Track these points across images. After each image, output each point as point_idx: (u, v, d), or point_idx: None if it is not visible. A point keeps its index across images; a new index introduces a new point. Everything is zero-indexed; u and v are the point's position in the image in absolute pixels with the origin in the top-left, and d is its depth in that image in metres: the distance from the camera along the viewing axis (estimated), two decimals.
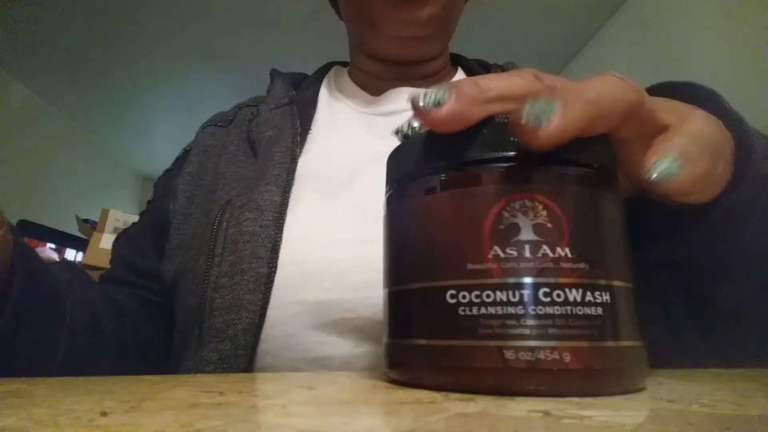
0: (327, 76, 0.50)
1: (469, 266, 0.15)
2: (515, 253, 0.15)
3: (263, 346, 0.30)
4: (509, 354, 0.14)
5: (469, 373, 0.15)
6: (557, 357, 0.14)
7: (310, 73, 0.52)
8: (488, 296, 0.15)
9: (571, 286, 0.15)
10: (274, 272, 0.31)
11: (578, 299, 0.15)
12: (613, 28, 1.91)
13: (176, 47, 2.10)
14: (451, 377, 0.15)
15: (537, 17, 1.89)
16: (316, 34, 1.80)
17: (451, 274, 0.16)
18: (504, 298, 0.15)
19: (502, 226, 0.15)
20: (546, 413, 0.12)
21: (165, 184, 0.43)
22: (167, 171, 0.45)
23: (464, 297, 0.15)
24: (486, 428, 0.10)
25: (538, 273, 0.15)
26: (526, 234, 0.15)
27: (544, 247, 0.15)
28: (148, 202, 0.45)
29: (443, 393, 0.15)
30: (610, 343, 0.15)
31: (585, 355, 0.14)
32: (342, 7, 0.45)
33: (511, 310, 0.15)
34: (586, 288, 0.15)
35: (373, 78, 0.46)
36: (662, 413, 0.12)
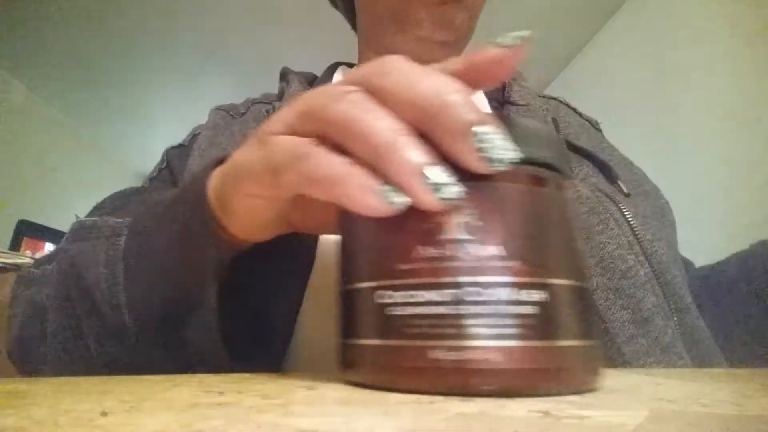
0: (335, 74, 0.49)
1: (398, 266, 0.15)
2: (444, 252, 0.15)
3: (299, 335, 0.30)
4: (435, 354, 0.14)
5: (399, 373, 0.15)
6: (484, 357, 0.14)
7: (311, 71, 0.52)
8: (415, 296, 0.15)
9: (501, 285, 0.15)
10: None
11: (509, 298, 0.15)
12: (613, 28, 1.91)
13: (176, 47, 2.10)
14: (387, 377, 0.16)
15: (536, 18, 1.89)
16: (318, 33, 1.80)
17: (381, 274, 0.16)
18: (431, 298, 0.15)
19: (430, 225, 0.15)
20: (546, 413, 0.12)
21: (182, 158, 0.42)
22: (181, 145, 0.45)
23: (392, 297, 0.15)
24: (486, 428, 0.10)
25: (467, 272, 0.15)
26: (456, 233, 0.15)
27: (475, 245, 0.15)
28: (160, 169, 0.44)
29: (443, 393, 0.15)
30: (546, 343, 0.15)
31: (515, 355, 0.14)
32: (363, 5, 0.45)
33: (438, 310, 0.15)
34: (518, 287, 0.15)
35: None
36: (662, 413, 0.12)
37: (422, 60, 0.45)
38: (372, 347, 0.16)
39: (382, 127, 0.15)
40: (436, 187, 0.15)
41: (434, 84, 0.16)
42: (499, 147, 0.15)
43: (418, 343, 0.15)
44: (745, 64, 1.30)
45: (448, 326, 0.14)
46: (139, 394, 0.15)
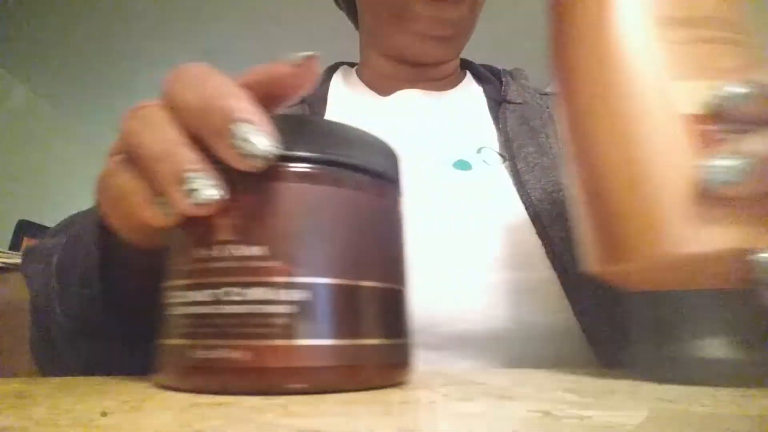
0: (335, 74, 0.50)
1: (178, 267, 0.16)
2: (212, 254, 0.15)
3: None
4: (192, 353, 0.15)
5: (168, 372, 0.15)
6: (229, 355, 0.14)
7: None
8: (186, 296, 0.15)
9: (259, 284, 0.15)
10: None
11: (266, 298, 0.15)
12: None
13: (178, 48, 2.10)
14: (163, 377, 0.16)
15: (536, 18, 1.89)
16: (318, 34, 1.80)
17: (169, 274, 0.17)
18: (196, 298, 0.15)
19: (206, 228, 0.16)
20: (546, 413, 0.12)
21: None
22: None
23: (172, 297, 0.16)
24: (486, 428, 0.10)
25: (229, 272, 0.15)
26: (224, 234, 0.15)
27: (239, 246, 0.15)
28: None
29: (443, 393, 0.15)
30: (301, 342, 0.15)
31: (257, 354, 0.14)
32: (363, 2, 0.46)
33: (199, 309, 0.15)
34: (277, 286, 0.15)
35: (384, 78, 0.46)
36: (662, 413, 0.12)
37: (422, 55, 0.45)
38: (161, 347, 0.16)
39: (152, 139, 0.16)
40: (189, 192, 0.15)
41: (207, 88, 0.16)
42: (255, 143, 0.15)
43: (183, 342, 0.15)
44: None
45: (207, 326, 0.15)
46: (139, 394, 0.15)
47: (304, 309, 0.15)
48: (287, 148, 0.16)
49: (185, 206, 0.15)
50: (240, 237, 0.15)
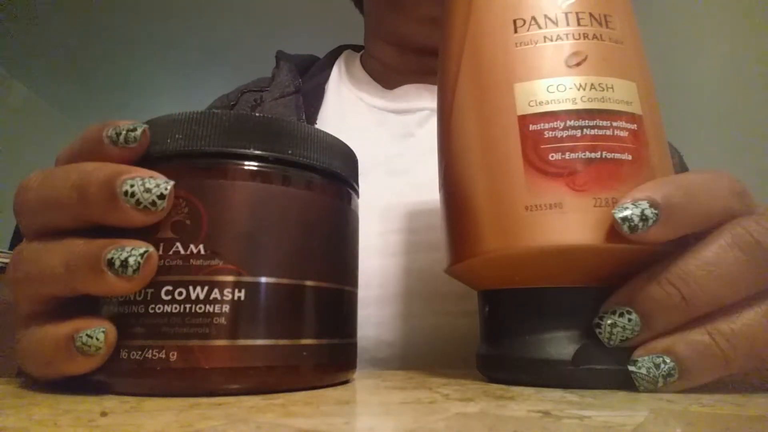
0: (337, 61, 0.48)
1: None
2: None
3: None
4: (124, 354, 0.14)
5: (99, 372, 0.15)
6: (163, 356, 0.14)
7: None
8: (121, 296, 0.15)
9: (196, 283, 0.15)
10: None
11: (201, 297, 0.14)
12: None
13: (178, 46, 2.10)
14: (96, 377, 0.15)
15: None
16: (321, 31, 1.79)
17: None
18: (130, 298, 0.15)
19: (150, 225, 0.15)
20: (546, 413, 0.12)
21: None
22: None
23: (108, 298, 0.15)
24: (486, 428, 0.10)
25: (165, 271, 0.15)
26: (164, 232, 0.15)
27: (177, 244, 0.15)
28: None
29: (443, 393, 0.15)
30: (241, 342, 0.14)
31: (193, 354, 0.14)
32: None
33: (134, 309, 0.15)
34: (213, 285, 0.15)
35: (388, 68, 0.45)
36: (662, 413, 0.12)
37: (426, 40, 0.44)
38: None
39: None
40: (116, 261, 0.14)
41: (66, 179, 0.15)
42: (147, 190, 0.14)
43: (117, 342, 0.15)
44: (745, 62, 1.30)
45: (136, 326, 0.14)
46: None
47: (245, 308, 0.15)
48: (236, 146, 0.16)
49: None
50: (182, 234, 0.15)
